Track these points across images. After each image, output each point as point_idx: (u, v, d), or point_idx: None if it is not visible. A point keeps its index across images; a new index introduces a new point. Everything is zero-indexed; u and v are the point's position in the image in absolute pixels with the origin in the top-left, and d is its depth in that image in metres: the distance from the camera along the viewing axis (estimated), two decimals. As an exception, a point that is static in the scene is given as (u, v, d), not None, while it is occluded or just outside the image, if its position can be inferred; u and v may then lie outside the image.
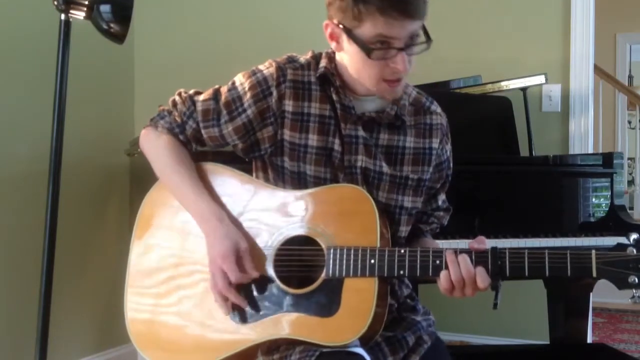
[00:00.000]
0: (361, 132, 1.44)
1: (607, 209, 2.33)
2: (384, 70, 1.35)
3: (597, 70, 4.78)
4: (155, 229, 1.52)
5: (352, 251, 1.33)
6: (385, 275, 1.31)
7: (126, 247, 1.54)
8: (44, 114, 1.98)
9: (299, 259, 1.39)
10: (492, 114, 2.67)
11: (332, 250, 1.34)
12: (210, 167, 1.52)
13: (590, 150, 3.02)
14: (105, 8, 1.76)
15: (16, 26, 2.62)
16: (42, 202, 1.79)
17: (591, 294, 2.49)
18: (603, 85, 5.65)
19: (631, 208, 6.10)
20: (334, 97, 1.44)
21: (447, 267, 1.29)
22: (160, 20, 3.32)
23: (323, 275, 1.34)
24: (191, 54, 3.27)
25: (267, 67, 1.46)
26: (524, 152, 2.73)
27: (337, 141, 1.44)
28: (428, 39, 1.35)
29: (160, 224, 1.52)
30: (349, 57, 1.39)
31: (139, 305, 1.48)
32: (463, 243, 1.88)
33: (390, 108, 1.45)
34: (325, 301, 1.33)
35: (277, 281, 1.38)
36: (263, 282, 1.39)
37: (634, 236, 1.23)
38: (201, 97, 1.49)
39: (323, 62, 1.45)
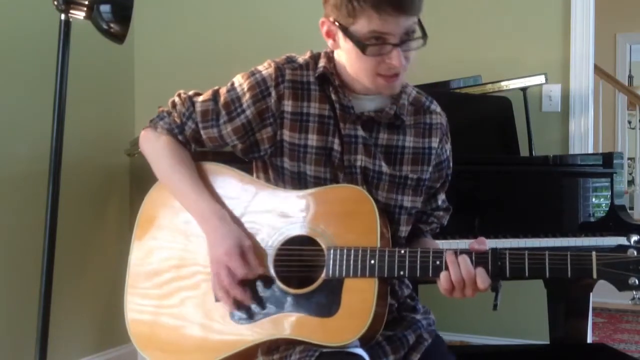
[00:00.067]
0: (360, 132, 1.44)
1: (607, 209, 2.33)
2: (380, 66, 1.35)
3: (597, 70, 4.78)
4: (155, 229, 1.52)
5: (352, 251, 1.33)
6: (385, 275, 1.31)
7: (126, 247, 1.54)
8: (44, 114, 1.98)
9: (299, 259, 1.39)
10: (492, 114, 2.67)
11: (332, 251, 1.34)
12: (211, 167, 1.52)
13: (590, 150, 3.02)
14: (105, 8, 1.76)
15: (16, 26, 2.62)
16: (42, 202, 1.79)
17: (591, 294, 2.49)
18: (603, 85, 5.65)
19: (631, 208, 6.10)
20: (333, 96, 1.44)
21: (447, 268, 1.29)
22: (160, 20, 3.32)
23: (323, 275, 1.34)
24: (191, 54, 3.27)
25: (265, 68, 1.46)
26: (524, 152, 2.73)
27: (336, 141, 1.44)
28: (424, 34, 1.35)
29: (161, 225, 1.52)
30: (345, 55, 1.40)
31: (140, 306, 1.48)
32: (463, 243, 1.88)
33: (390, 107, 1.45)
34: (325, 301, 1.32)
35: (277, 281, 1.38)
36: (263, 282, 1.39)
37: (634, 238, 1.23)
38: (200, 98, 1.50)
39: (322, 62, 1.45)
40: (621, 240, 1.26)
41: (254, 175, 1.51)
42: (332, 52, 1.46)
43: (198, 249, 1.45)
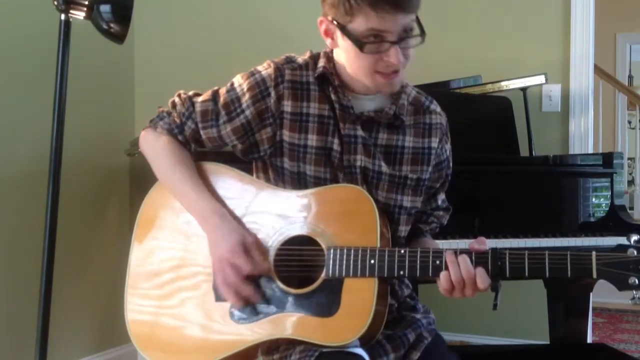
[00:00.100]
0: (360, 132, 1.44)
1: (607, 209, 2.33)
2: (378, 64, 1.35)
3: (597, 70, 4.78)
4: (155, 229, 1.52)
5: (352, 251, 1.33)
6: (385, 275, 1.31)
7: (126, 247, 1.54)
8: (44, 114, 1.98)
9: (299, 259, 1.39)
10: (492, 114, 2.67)
11: (332, 251, 1.34)
12: (211, 167, 1.52)
13: (590, 150, 3.02)
14: (105, 8, 1.76)
15: (16, 26, 2.62)
16: (42, 202, 1.79)
17: (591, 294, 2.48)
18: (603, 85, 5.65)
19: (631, 208, 6.10)
20: (333, 96, 1.44)
21: (447, 268, 1.29)
22: (160, 20, 3.32)
23: (323, 275, 1.34)
24: (191, 54, 3.27)
25: (265, 68, 1.46)
26: (524, 152, 2.73)
27: (336, 141, 1.44)
28: (422, 32, 1.35)
29: (161, 225, 1.52)
30: (344, 53, 1.40)
31: (140, 306, 1.48)
32: (463, 243, 1.88)
33: (389, 107, 1.46)
34: (325, 301, 1.32)
35: (277, 281, 1.38)
36: (263, 282, 1.39)
37: (634, 237, 1.23)
38: (200, 99, 1.50)
39: (321, 62, 1.45)
40: (621, 240, 1.26)
41: (254, 175, 1.51)
42: (332, 52, 1.46)
43: (198, 250, 1.46)
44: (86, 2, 1.75)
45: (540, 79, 2.75)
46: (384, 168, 1.45)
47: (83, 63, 2.53)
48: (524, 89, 2.77)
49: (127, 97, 3.25)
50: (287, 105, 1.43)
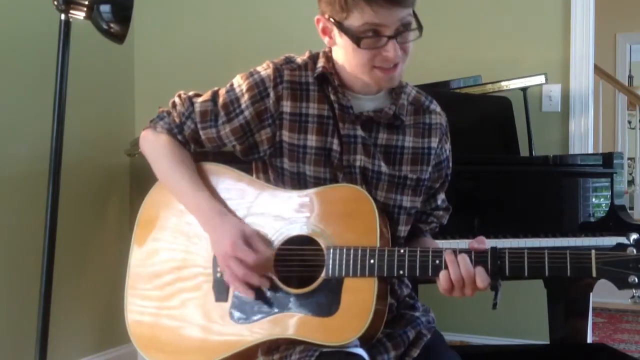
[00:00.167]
0: (359, 132, 1.44)
1: (607, 209, 2.33)
2: (376, 59, 1.35)
3: (597, 70, 4.78)
4: (155, 230, 1.52)
5: (352, 251, 1.33)
6: (385, 275, 1.31)
7: (126, 247, 1.54)
8: (44, 114, 1.98)
9: (299, 259, 1.39)
10: (492, 114, 2.67)
11: (331, 250, 1.34)
12: (211, 167, 1.52)
13: (590, 150, 3.01)
14: (105, 8, 1.76)
15: (16, 26, 2.62)
16: (42, 202, 1.79)
17: (591, 294, 2.48)
18: (603, 85, 5.65)
19: (631, 208, 6.10)
20: (332, 96, 1.44)
21: (446, 267, 1.29)
22: (160, 20, 3.32)
23: (323, 275, 1.34)
24: (191, 54, 3.27)
25: (264, 69, 1.46)
26: (524, 152, 2.73)
27: (335, 141, 1.44)
28: (419, 26, 1.35)
29: (161, 226, 1.52)
30: (342, 51, 1.40)
31: (140, 307, 1.48)
32: (463, 243, 1.88)
33: (389, 107, 1.46)
34: (325, 301, 1.33)
35: (277, 281, 1.38)
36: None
37: (634, 236, 1.23)
38: (200, 99, 1.50)
39: (321, 62, 1.45)
40: (621, 241, 1.26)
41: (254, 175, 1.51)
42: (331, 52, 1.46)
43: (198, 250, 1.46)
44: (86, 2, 1.75)
45: (540, 79, 2.75)
46: (384, 168, 1.45)
47: (83, 63, 2.54)
48: (524, 89, 2.77)
49: (127, 97, 3.25)
50: (287, 106, 1.43)
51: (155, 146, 1.51)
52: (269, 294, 1.38)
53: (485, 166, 2.30)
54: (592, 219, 2.32)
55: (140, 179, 2.35)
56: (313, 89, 1.45)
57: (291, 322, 1.34)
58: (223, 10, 3.30)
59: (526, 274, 1.26)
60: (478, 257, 1.28)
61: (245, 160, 1.51)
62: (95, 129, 3.01)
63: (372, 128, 1.46)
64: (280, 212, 1.42)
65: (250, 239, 1.37)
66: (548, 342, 2.55)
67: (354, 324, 1.29)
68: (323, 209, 1.39)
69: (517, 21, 3.08)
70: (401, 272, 1.31)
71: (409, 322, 1.45)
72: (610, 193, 2.33)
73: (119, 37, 1.81)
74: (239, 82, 1.47)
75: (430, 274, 1.31)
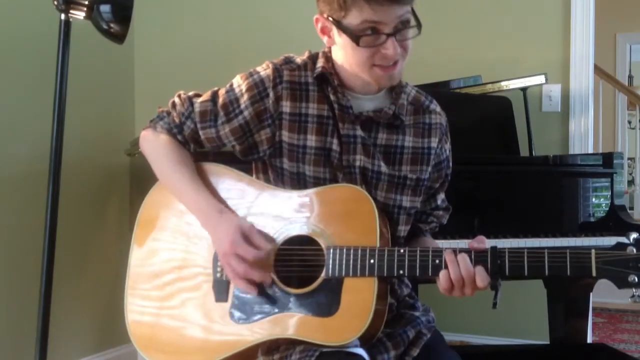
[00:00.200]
0: (359, 132, 1.44)
1: (607, 209, 2.33)
2: (375, 57, 1.35)
3: (597, 70, 4.78)
4: (155, 230, 1.52)
5: (352, 251, 1.33)
6: (385, 275, 1.31)
7: (126, 247, 1.54)
8: (44, 114, 1.98)
9: (299, 259, 1.39)
10: (492, 114, 2.67)
11: (331, 250, 1.34)
12: (211, 168, 1.52)
13: (590, 150, 3.02)
14: (105, 8, 1.76)
15: (16, 26, 2.62)
16: (42, 202, 1.79)
17: (591, 294, 2.48)
18: (603, 85, 5.65)
19: (631, 208, 6.10)
20: (332, 96, 1.44)
21: (446, 267, 1.29)
22: (160, 20, 3.32)
23: (323, 275, 1.34)
24: (191, 54, 3.27)
25: (264, 69, 1.46)
26: (524, 152, 2.73)
27: (335, 141, 1.44)
28: (418, 23, 1.35)
29: (161, 226, 1.52)
30: (341, 50, 1.40)
31: (140, 307, 1.48)
32: (463, 243, 1.88)
33: (389, 107, 1.46)
34: (325, 301, 1.32)
35: (277, 281, 1.38)
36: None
37: (633, 235, 1.23)
38: (200, 99, 1.50)
39: (320, 62, 1.45)
40: (621, 241, 1.26)
41: (254, 176, 1.51)
42: (330, 51, 1.46)
43: (198, 250, 1.46)
44: (86, 2, 1.75)
45: (540, 79, 2.75)
46: (383, 168, 1.45)
47: (83, 63, 2.53)
48: (524, 89, 2.77)
49: (127, 97, 3.25)
50: (286, 106, 1.43)
51: (155, 146, 1.51)
52: (269, 294, 1.38)
53: (485, 166, 2.30)
54: (592, 219, 2.32)
55: (140, 179, 2.35)
56: (312, 89, 1.45)
57: (291, 322, 1.34)
58: (223, 10, 3.30)
59: (526, 273, 1.26)
60: (478, 257, 1.28)
61: (244, 160, 1.51)
62: (95, 129, 3.01)
63: (372, 128, 1.46)
64: (280, 212, 1.42)
65: (249, 234, 1.37)
66: (548, 342, 2.55)
67: (354, 323, 1.29)
68: (323, 209, 1.39)
69: (517, 21, 3.09)
70: (401, 271, 1.31)
71: (408, 321, 1.45)
72: (610, 193, 2.33)
73: (119, 37, 1.81)
74: (239, 83, 1.47)
75: (430, 274, 1.31)
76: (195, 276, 1.45)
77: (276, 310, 1.36)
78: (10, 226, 2.57)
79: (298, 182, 1.44)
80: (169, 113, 1.52)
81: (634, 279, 1.20)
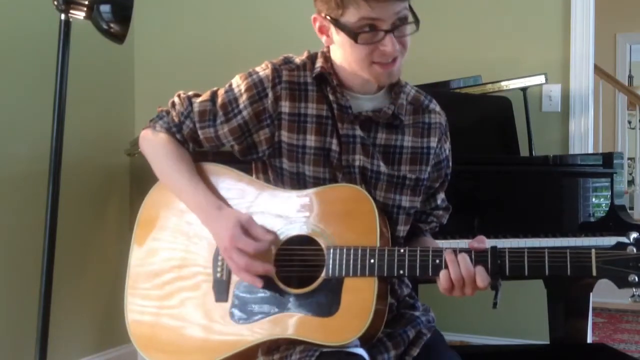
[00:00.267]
0: (358, 132, 1.44)
1: (607, 209, 2.33)
2: (374, 54, 1.35)
3: (597, 70, 4.78)
4: (155, 230, 1.52)
5: (352, 251, 1.33)
6: (385, 274, 1.31)
7: (126, 247, 1.54)
8: (44, 114, 1.98)
9: (299, 259, 1.39)
10: (492, 114, 2.67)
11: (331, 250, 1.34)
12: (211, 168, 1.52)
13: (590, 150, 3.02)
14: (105, 8, 1.76)
15: (16, 26, 2.62)
16: (42, 202, 1.79)
17: (591, 294, 2.48)
18: (603, 85, 5.65)
19: (631, 208, 6.10)
20: (331, 96, 1.44)
21: (446, 267, 1.29)
22: (160, 20, 3.32)
23: (323, 275, 1.34)
24: (191, 54, 3.27)
25: (263, 69, 1.46)
26: (524, 152, 2.73)
27: (334, 141, 1.44)
28: (416, 19, 1.35)
29: (161, 225, 1.52)
30: (339, 48, 1.40)
31: (140, 307, 1.48)
32: (463, 243, 1.88)
33: (388, 107, 1.45)
34: (325, 301, 1.32)
35: (278, 281, 1.38)
36: (264, 282, 1.39)
37: (634, 235, 1.23)
38: (199, 99, 1.50)
39: (319, 62, 1.45)
40: (621, 240, 1.26)
41: (254, 176, 1.51)
42: (329, 51, 1.46)
43: (198, 250, 1.46)
44: (86, 2, 1.75)
45: (540, 79, 2.75)
46: (383, 168, 1.45)
47: (83, 63, 2.54)
48: (524, 89, 2.77)
49: (127, 97, 3.25)
50: (285, 106, 1.43)
51: (155, 145, 1.51)
52: (269, 294, 1.38)
53: (485, 166, 2.30)
54: (592, 219, 2.32)
55: (140, 179, 2.35)
56: (311, 89, 1.45)
57: (291, 322, 1.34)
58: (223, 10, 3.30)
59: (526, 273, 1.26)
60: (478, 257, 1.28)
61: (243, 160, 1.51)
62: (95, 129, 3.01)
63: (371, 128, 1.46)
64: (280, 212, 1.42)
65: (248, 227, 1.37)
66: (548, 342, 2.55)
67: (354, 323, 1.29)
68: (323, 208, 1.39)
69: (517, 21, 3.09)
70: (401, 271, 1.31)
71: (409, 321, 1.45)
72: (610, 193, 2.33)
73: (119, 37, 1.81)
74: (238, 83, 1.47)
75: (430, 274, 1.31)
76: (195, 276, 1.45)
77: (276, 310, 1.36)
78: (10, 226, 2.57)
79: (298, 182, 1.44)
80: (168, 113, 1.52)
81: (634, 279, 1.20)
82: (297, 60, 1.48)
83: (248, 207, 1.45)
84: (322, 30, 1.41)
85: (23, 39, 2.63)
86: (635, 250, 1.21)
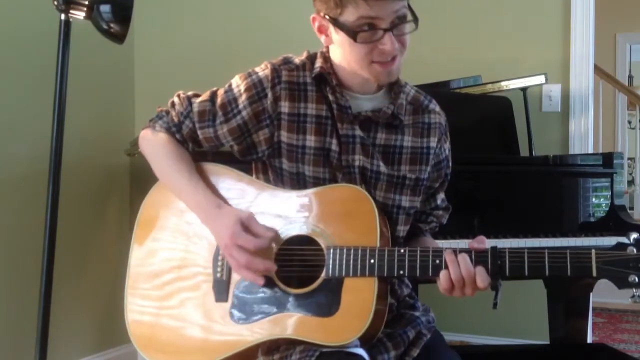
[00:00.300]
0: (358, 132, 1.44)
1: (607, 209, 2.33)
2: (373, 53, 1.35)
3: (597, 70, 4.78)
4: (155, 230, 1.52)
5: (352, 251, 1.33)
6: (385, 275, 1.31)
7: (126, 247, 1.54)
8: (44, 114, 1.98)
9: (299, 259, 1.39)
10: (492, 114, 2.67)
11: (331, 250, 1.34)
12: (211, 168, 1.52)
13: (590, 150, 3.02)
14: (105, 8, 1.76)
15: (16, 26, 2.62)
16: (42, 202, 1.79)
17: (591, 294, 2.48)
18: (603, 85, 5.65)
19: (631, 208, 6.10)
20: (330, 97, 1.44)
21: (446, 267, 1.29)
22: (160, 20, 3.32)
23: (323, 275, 1.34)
24: (191, 54, 3.27)
25: (262, 69, 1.46)
26: (524, 152, 2.73)
27: (334, 141, 1.44)
28: (415, 18, 1.35)
29: (161, 225, 1.52)
30: (339, 48, 1.40)
31: (140, 307, 1.48)
32: (463, 243, 1.88)
33: (387, 107, 1.45)
34: (325, 301, 1.32)
35: (277, 281, 1.38)
36: (264, 281, 1.39)
37: (634, 235, 1.23)
38: (198, 99, 1.50)
39: (318, 62, 1.45)
40: (621, 241, 1.26)
41: (254, 176, 1.51)
42: (328, 51, 1.46)
43: (198, 250, 1.46)
44: (86, 2, 1.74)
45: (540, 79, 2.75)
46: (382, 168, 1.45)
47: (83, 63, 2.53)
48: (524, 89, 2.77)
49: (127, 97, 3.25)
50: (285, 106, 1.43)
51: (154, 145, 1.51)
52: (269, 294, 1.38)
53: (485, 166, 2.30)
54: (592, 219, 2.32)
55: (140, 179, 2.35)
56: (311, 89, 1.45)
57: (291, 322, 1.34)
58: (223, 10, 3.30)
59: (526, 273, 1.26)
60: (478, 257, 1.28)
61: (243, 160, 1.51)
62: (95, 129, 3.01)
63: (371, 128, 1.46)
64: (280, 212, 1.42)
65: (249, 224, 1.37)
66: (548, 342, 2.55)
67: (354, 324, 1.29)
68: (323, 208, 1.39)
69: (517, 21, 3.09)
70: (401, 272, 1.31)
71: (409, 321, 1.45)
72: (610, 193, 2.33)
73: (119, 37, 1.81)
74: (237, 83, 1.47)
75: (430, 274, 1.31)
76: (195, 276, 1.45)
77: (276, 310, 1.36)
78: (10, 226, 2.57)
79: (298, 182, 1.44)
80: (167, 112, 1.52)
81: (634, 279, 1.20)
82: (297, 60, 1.48)
83: (248, 207, 1.45)
84: (321, 29, 1.41)
85: (23, 39, 2.63)
86: (635, 250, 1.21)
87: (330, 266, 1.33)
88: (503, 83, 2.74)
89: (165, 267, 1.48)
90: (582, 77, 2.98)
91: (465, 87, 2.77)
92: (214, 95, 1.49)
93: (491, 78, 2.78)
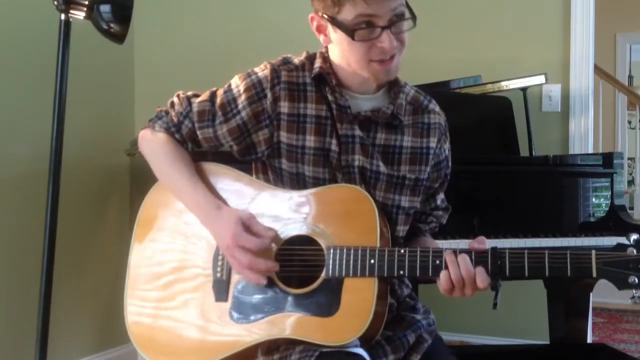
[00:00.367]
0: (358, 132, 1.44)
1: (607, 209, 2.33)
2: (372, 51, 1.35)
3: (597, 70, 4.78)
4: (155, 230, 1.52)
5: (352, 251, 1.33)
6: (385, 275, 1.31)
7: (126, 247, 1.54)
8: (44, 114, 1.98)
9: (299, 259, 1.39)
10: (492, 114, 2.67)
11: (331, 250, 1.34)
12: (211, 168, 1.52)
13: (590, 150, 3.02)
14: (105, 8, 1.76)
15: (16, 26, 2.62)
16: (42, 202, 1.79)
17: (591, 294, 2.48)
18: (603, 85, 5.65)
19: (631, 208, 6.10)
20: (330, 97, 1.44)
21: (446, 267, 1.29)
22: (160, 20, 3.32)
23: (323, 275, 1.34)
24: (191, 54, 3.27)
25: (262, 70, 1.46)
26: (524, 152, 2.73)
27: (334, 141, 1.44)
28: (413, 15, 1.35)
29: (160, 226, 1.52)
30: (337, 47, 1.40)
31: (140, 307, 1.48)
32: (463, 243, 1.88)
33: (387, 107, 1.45)
34: (325, 301, 1.32)
35: (277, 281, 1.38)
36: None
37: (634, 236, 1.23)
38: (198, 99, 1.50)
39: (318, 62, 1.45)
40: (621, 241, 1.26)
41: (254, 176, 1.51)
42: (327, 52, 1.46)
43: (198, 250, 1.46)
44: (86, 2, 1.74)
45: (540, 79, 2.75)
46: (382, 168, 1.45)
47: (83, 63, 2.53)
48: (524, 89, 2.77)
49: (127, 97, 3.25)
50: (284, 107, 1.43)
51: (154, 145, 1.51)
52: (269, 294, 1.38)
53: (485, 166, 2.30)
54: (592, 219, 2.32)
55: (140, 179, 2.35)
56: (310, 89, 1.45)
57: (291, 322, 1.34)
58: (223, 10, 3.30)
59: (526, 274, 1.26)
60: (478, 257, 1.28)
61: (242, 160, 1.51)
62: (95, 129, 3.01)
63: (370, 128, 1.46)
64: (280, 212, 1.42)
65: (250, 224, 1.37)
66: (548, 342, 2.55)
67: (354, 324, 1.29)
68: (323, 209, 1.39)
69: (517, 21, 3.09)
70: (401, 272, 1.31)
71: (409, 324, 1.45)
72: (610, 193, 2.33)
73: (119, 37, 1.81)
74: (237, 83, 1.47)
75: (430, 274, 1.31)
76: (195, 276, 1.45)
77: (276, 310, 1.36)
78: (10, 226, 2.57)
79: (297, 182, 1.44)
80: (167, 112, 1.52)
81: (634, 280, 1.20)
82: (296, 60, 1.48)
83: (248, 207, 1.45)
84: (320, 29, 1.42)
85: (23, 39, 2.63)
86: (635, 251, 1.21)
87: (330, 266, 1.33)
88: (503, 83, 2.74)
89: (165, 268, 1.48)
90: (582, 77, 2.98)
91: (465, 87, 2.77)
92: (213, 95, 1.49)
93: (491, 78, 2.77)
